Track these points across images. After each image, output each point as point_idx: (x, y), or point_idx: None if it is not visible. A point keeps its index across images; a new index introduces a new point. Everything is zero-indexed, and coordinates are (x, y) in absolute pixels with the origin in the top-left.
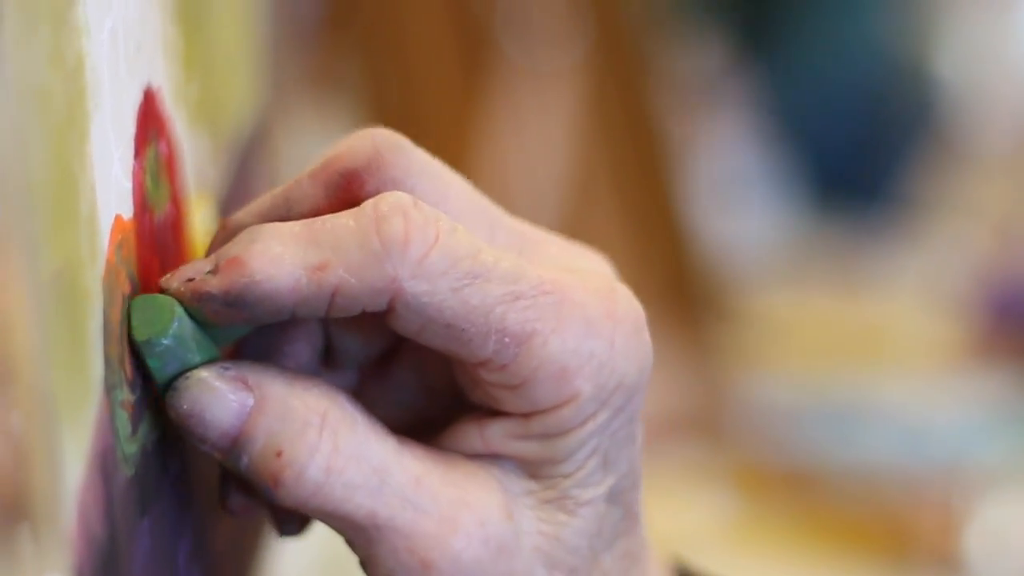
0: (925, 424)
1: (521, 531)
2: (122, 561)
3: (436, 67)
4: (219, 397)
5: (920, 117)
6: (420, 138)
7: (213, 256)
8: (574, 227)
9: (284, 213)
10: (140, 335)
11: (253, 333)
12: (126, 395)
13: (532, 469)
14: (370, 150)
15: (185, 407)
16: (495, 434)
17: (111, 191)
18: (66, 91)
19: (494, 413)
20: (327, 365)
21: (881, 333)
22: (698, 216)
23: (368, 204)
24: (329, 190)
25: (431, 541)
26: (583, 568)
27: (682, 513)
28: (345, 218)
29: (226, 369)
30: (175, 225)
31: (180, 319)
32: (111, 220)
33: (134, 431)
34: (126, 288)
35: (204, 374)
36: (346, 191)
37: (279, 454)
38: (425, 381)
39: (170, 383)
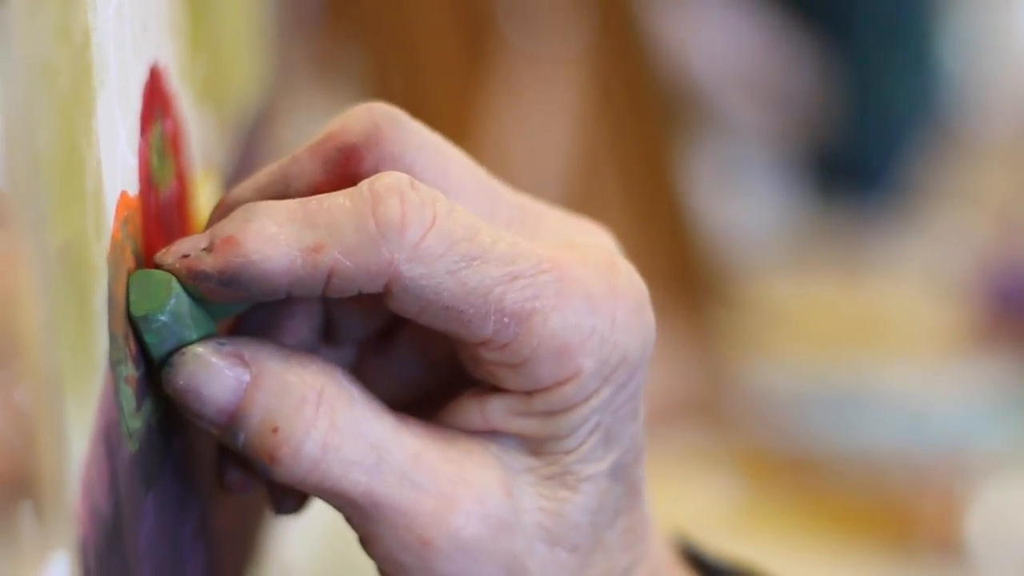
0: (927, 410)
1: (521, 508)
2: (127, 537)
3: (439, 54)
4: (215, 373)
5: (922, 105)
6: (423, 125)
7: (208, 232)
8: (577, 212)
9: (282, 189)
10: (137, 310)
11: (251, 308)
12: (130, 371)
13: (533, 446)
14: (368, 125)
15: (181, 383)
16: (496, 411)
17: (117, 167)
18: (72, 67)
19: (495, 389)
20: (326, 341)
21: (883, 319)
22: (701, 202)
23: (364, 184)
24: (327, 166)
25: (429, 519)
26: (585, 544)
27: (685, 498)
28: (341, 198)
29: (222, 345)
30: (180, 202)
31: (178, 296)
32: (117, 196)
33: (138, 407)
34: (131, 264)
35: (200, 350)
36: (344, 167)
37: (275, 430)
38: (425, 357)
39: (167, 359)
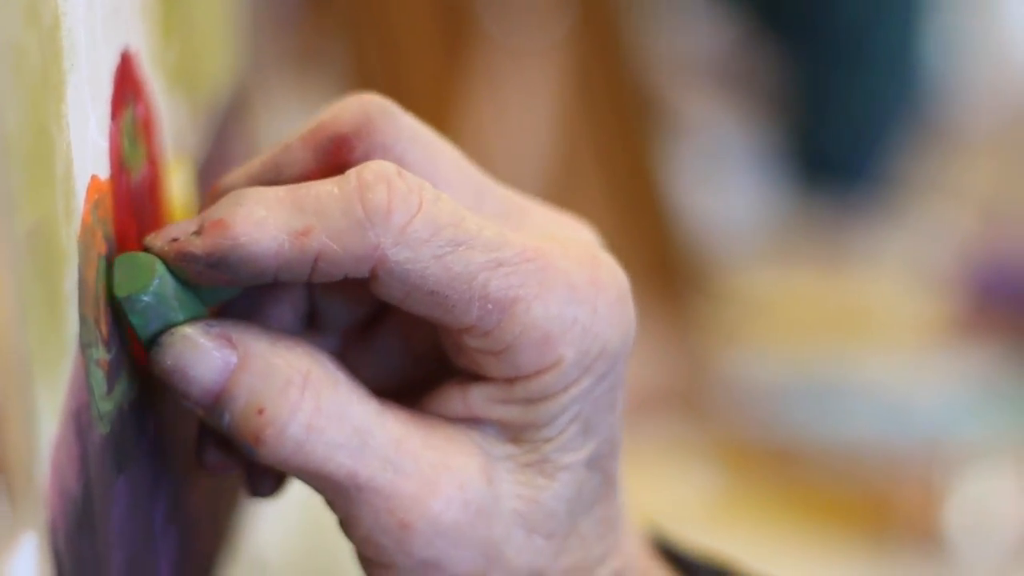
0: (906, 401)
1: (500, 495)
2: (98, 519)
3: (419, 46)
4: (203, 353)
5: (904, 97)
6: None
7: (198, 217)
8: (558, 205)
9: (274, 177)
10: (121, 291)
11: (237, 295)
12: (101, 353)
13: (513, 433)
14: (360, 115)
15: (169, 363)
16: (478, 398)
17: (87, 151)
18: (41, 50)
19: (477, 377)
20: (310, 328)
21: (864, 311)
22: (682, 193)
23: (352, 172)
24: (318, 154)
25: (410, 502)
26: (560, 532)
27: (664, 489)
28: (329, 185)
29: (211, 326)
30: (152, 187)
31: (161, 277)
32: (87, 180)
33: (110, 389)
34: (102, 248)
35: (188, 331)
36: (335, 156)
37: (261, 411)
38: (409, 345)
39: (154, 339)
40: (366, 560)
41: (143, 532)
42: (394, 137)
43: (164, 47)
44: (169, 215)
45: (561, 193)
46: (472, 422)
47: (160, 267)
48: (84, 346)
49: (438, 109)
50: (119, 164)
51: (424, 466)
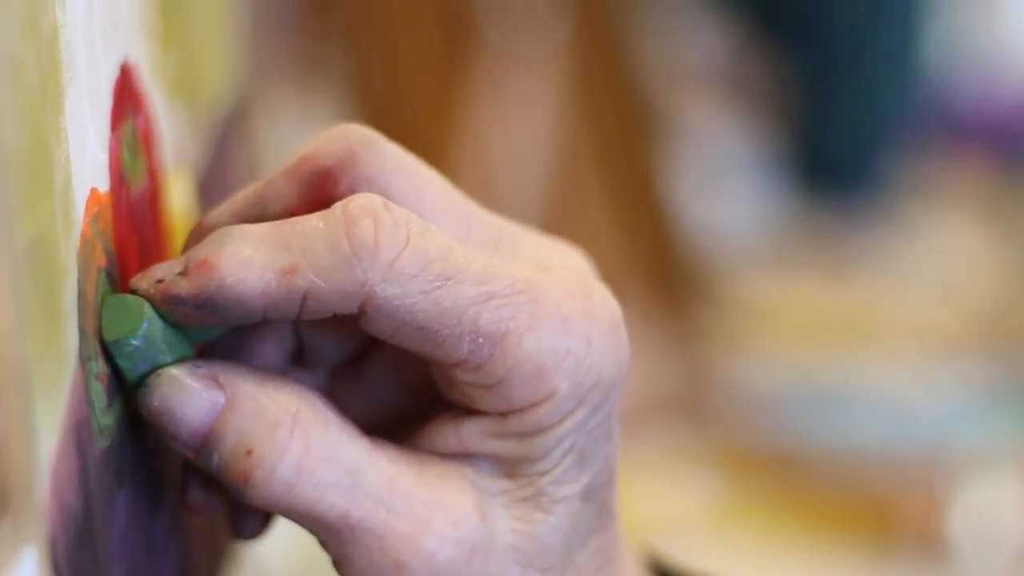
0: (909, 407)
1: (495, 530)
2: (98, 534)
3: (419, 53)
4: (190, 395)
5: (906, 103)
6: (403, 124)
7: (183, 257)
8: (558, 212)
9: (259, 212)
10: (109, 335)
11: (225, 332)
12: (101, 367)
13: (508, 468)
14: (343, 148)
15: (156, 404)
16: (471, 432)
17: (87, 164)
18: (40, 63)
19: (470, 412)
20: (298, 365)
21: (865, 317)
22: (683, 199)
23: (338, 206)
24: (303, 188)
25: (404, 542)
26: (557, 566)
27: (666, 496)
28: (315, 220)
29: (197, 367)
30: (152, 199)
31: (150, 320)
32: (87, 193)
33: (110, 403)
34: (102, 261)
35: (175, 372)
36: (320, 189)
37: (249, 453)
38: (399, 379)
39: (141, 381)
40: None
41: (143, 546)
42: (378, 168)
43: (163, 58)
44: (169, 228)
45: (561, 199)
46: (465, 457)
47: (148, 310)
48: (84, 360)
49: (439, 116)
50: (119, 177)
51: (417, 504)
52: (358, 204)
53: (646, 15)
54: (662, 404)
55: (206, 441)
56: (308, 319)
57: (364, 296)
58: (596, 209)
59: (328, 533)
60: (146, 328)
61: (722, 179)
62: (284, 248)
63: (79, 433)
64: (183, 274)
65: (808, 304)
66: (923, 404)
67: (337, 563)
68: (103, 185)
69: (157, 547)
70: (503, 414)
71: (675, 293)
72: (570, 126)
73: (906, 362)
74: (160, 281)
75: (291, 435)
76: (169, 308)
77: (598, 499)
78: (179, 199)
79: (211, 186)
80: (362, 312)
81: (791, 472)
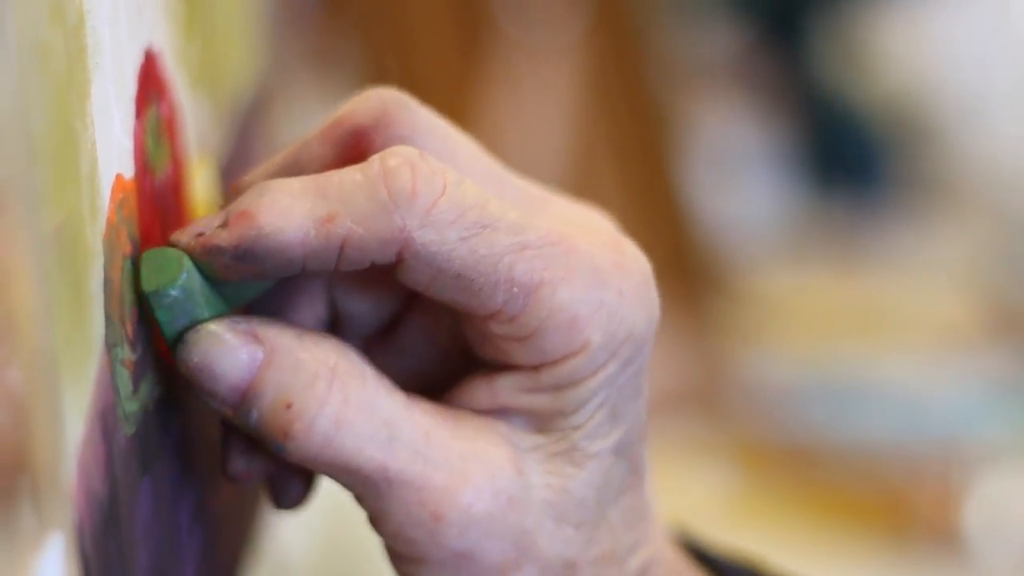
0: (924, 400)
1: (530, 485)
2: (123, 520)
3: (435, 45)
4: (229, 350)
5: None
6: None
7: (223, 211)
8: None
9: (294, 173)
10: (149, 286)
11: (257, 302)
12: (127, 353)
13: (541, 423)
14: (377, 108)
15: (195, 360)
16: (505, 388)
17: (112, 150)
18: (67, 48)
19: (503, 368)
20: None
21: (880, 310)
22: (698, 193)
23: (375, 158)
24: (338, 149)
25: (441, 494)
26: (590, 521)
27: (682, 489)
28: (353, 172)
29: (236, 323)
30: (176, 186)
31: (189, 271)
32: (112, 179)
33: (135, 389)
34: (127, 248)
35: (214, 327)
36: (354, 149)
37: (289, 406)
38: (433, 341)
39: (180, 336)
40: (397, 556)
41: (168, 532)
42: (412, 129)
43: (187, 46)
44: (192, 214)
45: (577, 194)
46: (499, 413)
47: (188, 262)
48: (110, 346)
49: (454, 108)
50: (143, 163)
51: (453, 457)
52: (396, 154)
53: (661, 10)
54: (677, 397)
55: (245, 397)
56: (346, 269)
57: (402, 242)
58: (611, 203)
59: (365, 487)
60: (185, 279)
61: (737, 174)
62: (322, 197)
63: (105, 420)
64: (223, 226)
65: (823, 298)
66: (938, 397)
67: (373, 519)
68: (128, 171)
69: (181, 534)
70: (536, 368)
71: (690, 287)
72: (586, 120)
73: (921, 355)
74: (200, 234)
75: (329, 388)
76: (209, 259)
77: (630, 456)
78: (202, 187)
79: (233, 175)
80: (399, 261)
81: (806, 465)
